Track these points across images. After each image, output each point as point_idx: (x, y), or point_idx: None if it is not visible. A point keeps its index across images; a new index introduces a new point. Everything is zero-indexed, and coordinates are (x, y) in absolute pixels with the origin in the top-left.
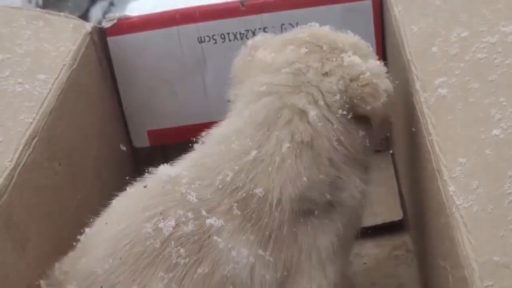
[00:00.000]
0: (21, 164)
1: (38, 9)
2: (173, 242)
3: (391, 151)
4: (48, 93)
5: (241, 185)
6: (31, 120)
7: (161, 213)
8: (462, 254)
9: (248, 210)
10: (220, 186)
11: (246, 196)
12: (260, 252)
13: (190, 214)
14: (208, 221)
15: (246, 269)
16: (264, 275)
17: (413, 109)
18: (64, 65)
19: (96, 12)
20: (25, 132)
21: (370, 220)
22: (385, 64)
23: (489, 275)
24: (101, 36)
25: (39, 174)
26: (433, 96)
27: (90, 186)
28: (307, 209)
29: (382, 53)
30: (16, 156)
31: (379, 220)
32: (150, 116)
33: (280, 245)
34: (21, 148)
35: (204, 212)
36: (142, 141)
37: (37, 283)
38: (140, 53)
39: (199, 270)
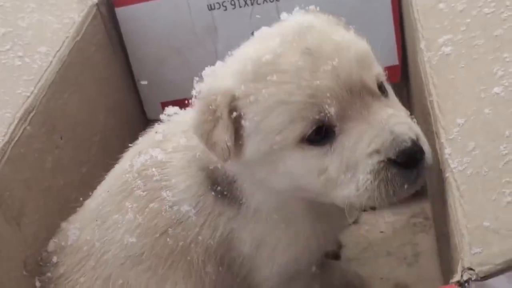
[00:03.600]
0: (16, 139)
1: None
2: (136, 174)
3: None
4: (48, 66)
5: None
6: (28, 94)
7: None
8: (454, 220)
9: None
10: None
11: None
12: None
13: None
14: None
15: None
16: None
17: (417, 69)
18: (67, 37)
19: None
20: (21, 106)
21: None
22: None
23: (479, 241)
24: (108, 7)
25: (37, 148)
26: (437, 55)
27: (96, 159)
28: (216, 187)
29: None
30: (10, 131)
31: None
32: (163, 87)
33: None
34: (16, 122)
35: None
36: (156, 113)
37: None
38: (149, 23)
39: (151, 205)
